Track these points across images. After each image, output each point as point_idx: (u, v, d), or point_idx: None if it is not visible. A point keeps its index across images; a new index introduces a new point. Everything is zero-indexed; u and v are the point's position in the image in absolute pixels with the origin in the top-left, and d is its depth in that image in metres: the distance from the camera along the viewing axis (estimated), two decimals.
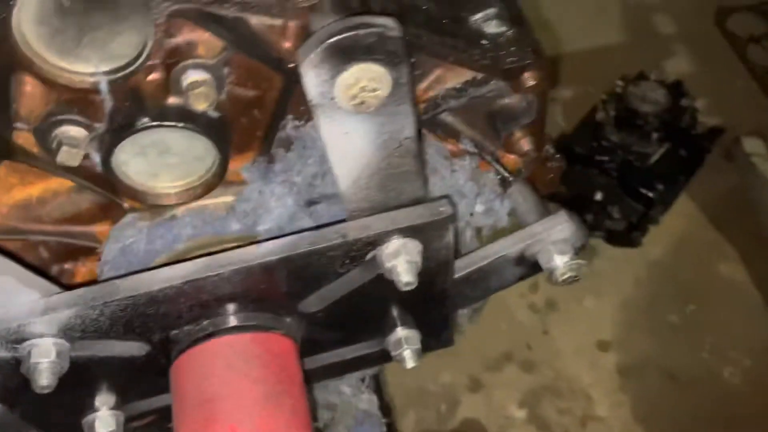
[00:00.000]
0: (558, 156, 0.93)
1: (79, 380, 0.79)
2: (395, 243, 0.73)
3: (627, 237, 2.58)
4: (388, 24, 0.56)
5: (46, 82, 0.66)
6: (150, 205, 0.83)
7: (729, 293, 2.46)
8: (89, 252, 0.92)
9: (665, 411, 2.27)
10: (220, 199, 0.85)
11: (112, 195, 0.82)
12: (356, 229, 0.72)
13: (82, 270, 0.96)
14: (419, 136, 0.71)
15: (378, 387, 1.32)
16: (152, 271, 0.71)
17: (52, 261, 0.96)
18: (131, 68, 0.67)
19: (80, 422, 0.86)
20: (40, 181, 0.85)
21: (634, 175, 2.54)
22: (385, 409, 1.31)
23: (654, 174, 2.53)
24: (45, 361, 0.71)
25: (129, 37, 0.65)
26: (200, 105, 0.71)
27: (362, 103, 0.59)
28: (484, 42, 0.78)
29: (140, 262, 0.83)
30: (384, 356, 0.93)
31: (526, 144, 0.85)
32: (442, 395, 2.38)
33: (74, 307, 0.69)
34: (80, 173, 0.80)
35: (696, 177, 2.60)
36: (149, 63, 0.66)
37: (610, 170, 2.55)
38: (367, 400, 1.23)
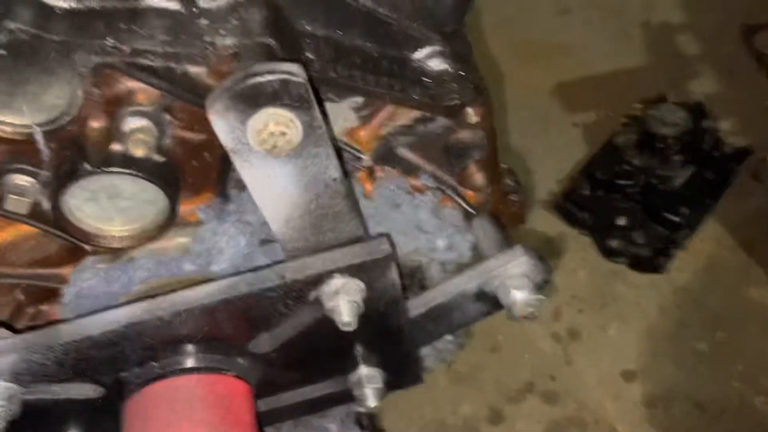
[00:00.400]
0: (520, 189, 0.91)
1: (41, 421, 0.81)
2: (335, 282, 0.72)
3: (652, 263, 2.51)
4: (292, 70, 0.57)
5: None
6: (108, 249, 0.85)
7: (760, 319, 2.36)
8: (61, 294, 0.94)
9: None
10: (178, 240, 0.86)
11: (72, 239, 0.84)
12: (294, 270, 0.72)
13: (59, 310, 0.98)
14: (347, 175, 0.71)
15: (370, 423, 1.30)
16: (93, 316, 0.72)
17: (28, 303, 0.99)
18: (65, 119, 0.68)
19: None
20: (11, 227, 0.88)
21: (658, 199, 2.48)
22: None
23: (679, 197, 2.46)
24: None
25: (59, 89, 0.67)
26: (139, 151, 0.72)
27: (274, 147, 0.59)
28: (426, 80, 0.77)
29: (98, 305, 0.85)
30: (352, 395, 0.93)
31: (479, 179, 0.84)
32: (462, 428, 2.33)
33: (16, 352, 0.71)
34: (40, 219, 0.82)
35: (723, 199, 2.52)
36: (83, 113, 0.68)
37: (633, 195, 2.50)
38: None
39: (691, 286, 2.47)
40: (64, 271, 0.94)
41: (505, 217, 0.92)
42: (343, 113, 0.81)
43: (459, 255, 0.91)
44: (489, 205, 0.90)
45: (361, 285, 0.73)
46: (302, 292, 0.73)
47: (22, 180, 0.74)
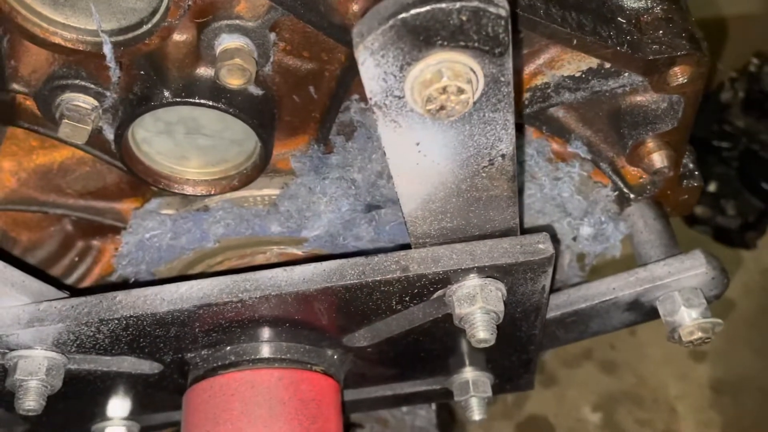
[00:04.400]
0: (697, 173, 0.71)
1: (86, 389, 0.67)
2: (471, 284, 0.55)
3: (740, 237, 2.31)
4: None
5: (36, 40, 0.51)
6: (179, 194, 0.68)
7: None
8: (117, 230, 0.79)
9: None
10: (264, 191, 0.69)
11: (136, 177, 0.67)
12: (421, 262, 0.55)
13: (111, 248, 0.84)
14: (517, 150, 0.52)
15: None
16: (160, 288, 0.56)
17: (78, 236, 0.85)
18: (145, 27, 0.51)
19: (90, 429, 0.75)
20: (65, 147, 0.72)
21: (758, 167, 2.26)
22: (445, 425, 1.16)
23: None
24: (33, 380, 0.58)
25: None
26: (234, 80, 0.54)
27: (442, 108, 0.40)
28: (620, 20, 0.57)
29: (161, 259, 0.69)
30: (449, 394, 0.77)
31: (659, 159, 0.64)
32: None
33: (64, 321, 0.56)
34: (100, 147, 0.66)
35: None
36: (168, 21, 0.50)
37: (730, 159, 2.29)
38: (425, 417, 1.08)
39: None
40: (123, 206, 0.78)
41: (671, 206, 0.72)
42: None
43: (606, 248, 0.72)
44: (655, 189, 0.70)
45: (503, 289, 0.56)
46: (426, 289, 0.56)
47: (83, 101, 0.57)
